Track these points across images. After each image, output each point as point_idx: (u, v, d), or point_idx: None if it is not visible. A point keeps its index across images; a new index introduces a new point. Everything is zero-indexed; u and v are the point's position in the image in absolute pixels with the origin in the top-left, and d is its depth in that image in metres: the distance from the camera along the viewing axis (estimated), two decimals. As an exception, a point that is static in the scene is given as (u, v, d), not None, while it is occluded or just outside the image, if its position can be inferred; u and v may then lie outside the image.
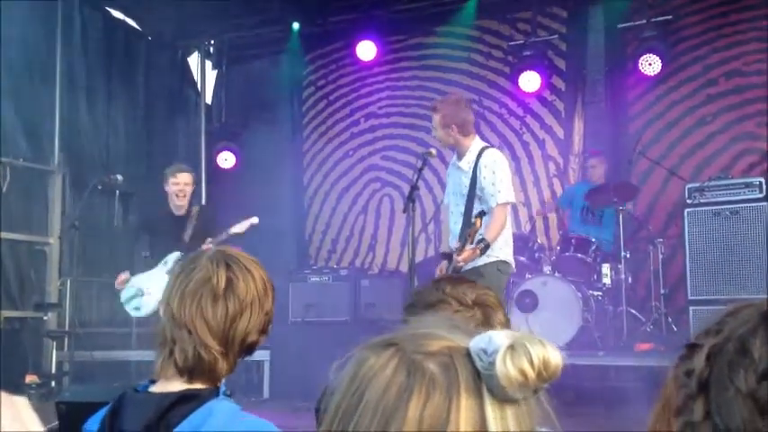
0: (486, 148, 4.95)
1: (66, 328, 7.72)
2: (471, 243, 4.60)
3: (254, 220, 6.00)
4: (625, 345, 6.61)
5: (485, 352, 0.82)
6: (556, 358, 0.83)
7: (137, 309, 6.08)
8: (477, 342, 0.84)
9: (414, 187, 4.86)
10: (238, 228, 5.93)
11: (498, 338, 0.82)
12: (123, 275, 6.14)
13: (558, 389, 0.87)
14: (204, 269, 1.70)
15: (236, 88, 10.31)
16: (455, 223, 4.95)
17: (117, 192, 8.07)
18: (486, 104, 9.06)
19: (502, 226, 4.75)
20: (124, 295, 6.14)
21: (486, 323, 1.72)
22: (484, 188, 4.76)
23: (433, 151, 5.09)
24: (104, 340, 8.24)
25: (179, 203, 6.17)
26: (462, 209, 4.85)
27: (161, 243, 6.20)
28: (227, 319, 1.68)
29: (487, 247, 4.62)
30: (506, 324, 1.77)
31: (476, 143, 4.94)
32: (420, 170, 4.97)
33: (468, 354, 0.84)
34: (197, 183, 6.77)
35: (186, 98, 10.25)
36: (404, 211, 4.96)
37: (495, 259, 4.77)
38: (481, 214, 4.67)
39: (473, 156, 4.86)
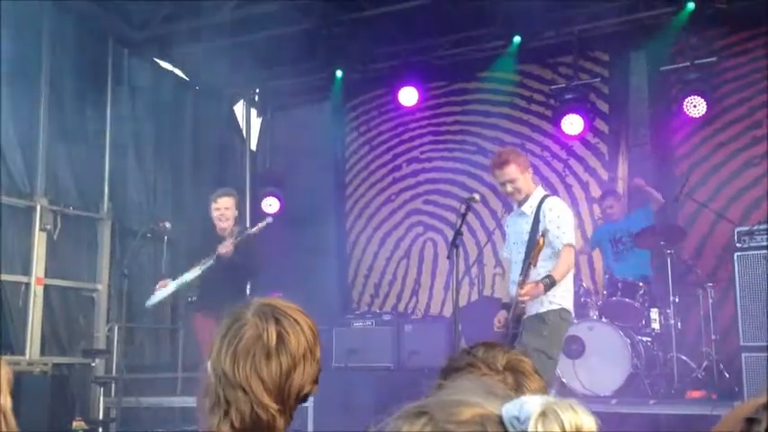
0: (548, 195, 5.01)
1: (114, 373, 7.81)
2: (534, 266, 4.55)
3: (269, 219, 6.36)
4: (676, 392, 6.45)
5: (517, 419, 0.81)
6: (588, 424, 0.82)
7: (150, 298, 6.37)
8: (509, 409, 0.83)
9: (458, 233, 4.85)
10: (255, 229, 6.24)
11: (530, 405, 0.82)
12: (162, 282, 6.36)
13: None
14: (253, 326, 1.67)
15: (280, 135, 10.50)
16: (516, 273, 4.87)
17: (165, 238, 8.23)
18: (529, 148, 9.04)
19: (569, 267, 4.73)
20: (175, 286, 6.34)
21: (518, 389, 1.68)
22: (549, 230, 4.74)
23: (477, 196, 5.10)
24: (150, 386, 8.31)
25: (222, 226, 6.32)
26: (523, 256, 4.81)
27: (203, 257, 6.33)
28: (282, 375, 1.65)
29: (553, 283, 4.56)
30: (542, 391, 1.71)
31: (539, 190, 5.05)
32: (464, 215, 4.97)
33: (500, 421, 0.82)
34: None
35: (232, 145, 10.43)
36: (448, 257, 4.94)
37: (557, 307, 4.72)
38: (544, 232, 4.65)
39: (535, 201, 4.91)
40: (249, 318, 1.70)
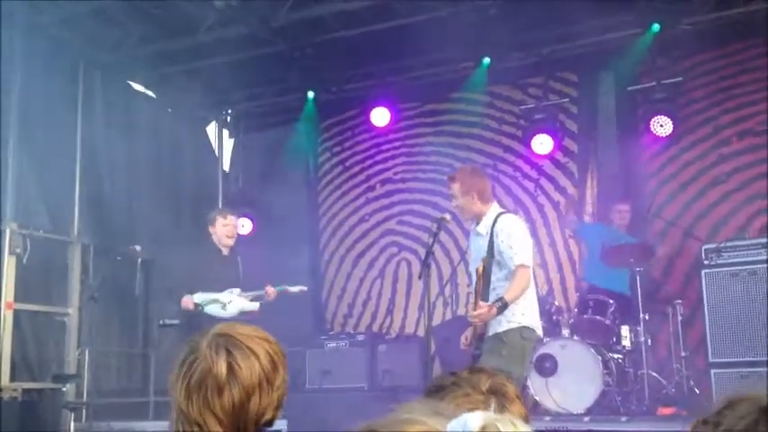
0: (502, 213, 4.95)
1: (85, 398, 7.72)
2: (483, 299, 4.58)
3: (304, 288, 6.62)
4: (647, 409, 6.51)
5: None
6: None
7: (223, 308, 6.13)
8: (453, 425, 0.86)
9: (429, 253, 4.88)
10: (292, 288, 6.46)
11: (472, 421, 0.85)
12: (187, 299, 6.20)
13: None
14: (205, 359, 1.66)
15: (252, 156, 10.49)
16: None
17: (139, 260, 8.17)
18: (501, 168, 9.14)
19: (522, 288, 4.69)
20: (201, 300, 6.20)
21: (501, 413, 1.71)
22: (502, 252, 4.75)
23: (448, 217, 5.14)
24: (122, 410, 8.22)
25: (228, 243, 6.39)
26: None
27: (218, 277, 6.32)
28: (235, 407, 1.64)
29: (505, 306, 4.56)
30: (524, 417, 1.74)
31: (493, 209, 4.96)
32: (435, 236, 4.99)
33: None
34: None
35: (205, 166, 10.40)
36: (419, 278, 4.95)
37: (517, 325, 4.71)
38: (488, 257, 4.66)
39: (489, 220, 4.87)
40: (203, 349, 1.69)
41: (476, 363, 4.64)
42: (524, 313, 4.76)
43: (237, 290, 6.31)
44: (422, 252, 9.17)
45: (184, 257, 8.41)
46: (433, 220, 5.29)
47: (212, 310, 6.17)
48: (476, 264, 4.98)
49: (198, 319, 6.14)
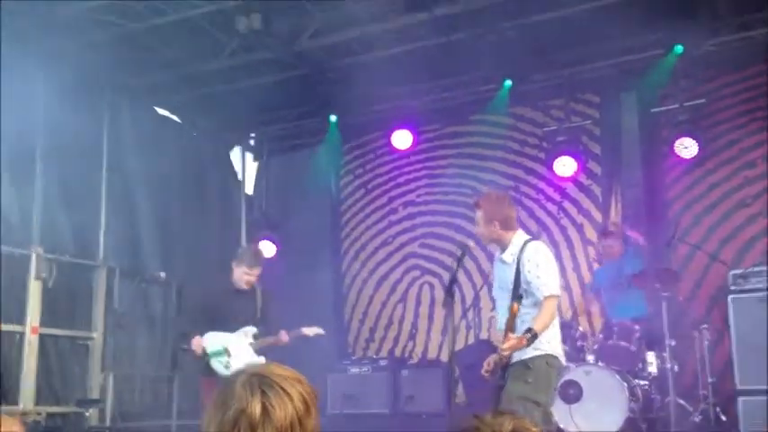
0: (530, 241, 4.87)
1: (107, 423, 7.76)
2: (512, 331, 4.54)
3: (321, 331, 6.51)
4: (673, 436, 6.42)
5: None
6: None
7: (226, 368, 6.09)
8: None
9: (453, 281, 4.82)
10: (308, 331, 6.40)
11: None
12: (197, 341, 6.15)
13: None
14: (239, 399, 1.67)
15: (276, 178, 10.55)
16: (502, 318, 4.84)
17: (173, 284, 8.26)
18: (524, 190, 9.10)
19: (551, 318, 4.65)
20: (210, 349, 6.16)
21: None
22: (530, 282, 4.68)
23: (471, 243, 5.08)
24: (146, 433, 8.28)
25: (245, 288, 6.39)
26: (507, 303, 4.75)
27: (233, 313, 6.30)
28: None
29: (535, 337, 4.50)
30: None
31: (518, 237, 4.86)
32: (459, 263, 4.95)
33: None
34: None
35: (229, 189, 10.47)
36: (443, 306, 4.90)
37: (542, 353, 4.65)
38: (519, 299, 4.62)
39: (516, 249, 4.80)
40: (237, 389, 1.69)
41: (500, 392, 4.60)
42: (550, 341, 4.71)
43: (252, 329, 6.27)
44: (444, 275, 9.16)
45: (208, 283, 8.50)
46: (458, 247, 5.22)
47: (216, 365, 6.13)
48: (499, 292, 4.93)
49: None
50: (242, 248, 7.24)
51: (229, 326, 6.26)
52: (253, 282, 6.40)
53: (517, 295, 4.66)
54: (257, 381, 1.71)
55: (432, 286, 9.48)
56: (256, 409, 1.65)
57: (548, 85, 8.79)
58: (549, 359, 4.70)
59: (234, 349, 6.17)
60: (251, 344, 6.22)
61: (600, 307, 8.08)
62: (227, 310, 6.31)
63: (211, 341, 6.17)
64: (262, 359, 6.12)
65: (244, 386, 1.69)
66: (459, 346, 8.40)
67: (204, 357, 6.12)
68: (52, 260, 7.74)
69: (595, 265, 8.55)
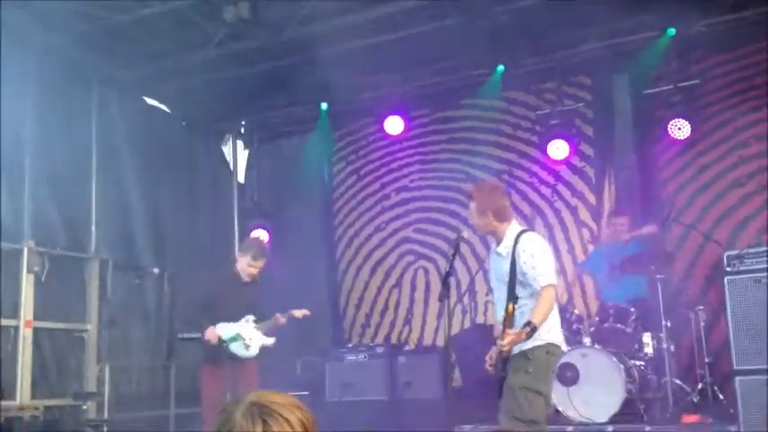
0: (524, 232, 4.84)
1: (105, 415, 7.75)
2: (510, 327, 4.52)
3: (307, 312, 6.71)
4: (671, 416, 6.44)
5: None
6: None
7: (247, 348, 6.39)
8: None
9: (448, 273, 4.78)
10: (297, 313, 6.61)
11: None
12: (211, 331, 6.26)
13: None
14: (240, 429, 1.67)
15: (267, 166, 10.50)
16: (500, 309, 4.83)
17: (166, 274, 8.27)
18: (517, 174, 9.09)
19: (549, 308, 4.62)
20: (225, 336, 6.34)
21: None
22: (525, 273, 4.67)
23: (465, 234, 5.01)
24: (144, 424, 8.25)
25: (247, 279, 6.51)
26: (505, 295, 4.73)
27: (235, 304, 6.43)
28: None
29: (534, 330, 4.48)
30: None
31: (512, 228, 4.83)
32: (453, 255, 4.90)
33: None
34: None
35: (220, 178, 10.42)
36: (439, 300, 4.85)
37: (543, 342, 4.64)
38: (515, 299, 4.61)
39: (510, 241, 4.77)
40: (238, 419, 1.69)
41: (502, 384, 4.60)
42: (550, 330, 4.70)
43: (252, 317, 6.46)
44: (439, 260, 9.17)
45: (203, 271, 8.49)
46: (451, 229, 5.19)
47: (236, 348, 6.36)
48: (497, 283, 4.92)
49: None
50: (247, 240, 7.40)
51: (233, 316, 6.40)
52: (256, 273, 6.49)
53: (512, 291, 4.65)
54: (257, 410, 1.71)
55: (426, 271, 9.48)
56: None
57: (540, 69, 8.74)
58: (549, 348, 4.69)
59: (246, 334, 6.40)
60: (256, 328, 6.44)
61: (594, 286, 8.11)
62: (231, 301, 6.41)
63: (224, 330, 6.33)
64: (272, 340, 6.50)
65: (245, 416, 1.69)
66: (455, 330, 8.42)
67: (221, 345, 6.27)
68: (44, 253, 7.69)
69: (590, 247, 8.55)
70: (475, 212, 4.83)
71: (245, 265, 6.45)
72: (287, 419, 1.69)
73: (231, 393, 6.28)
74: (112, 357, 8.14)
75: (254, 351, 6.40)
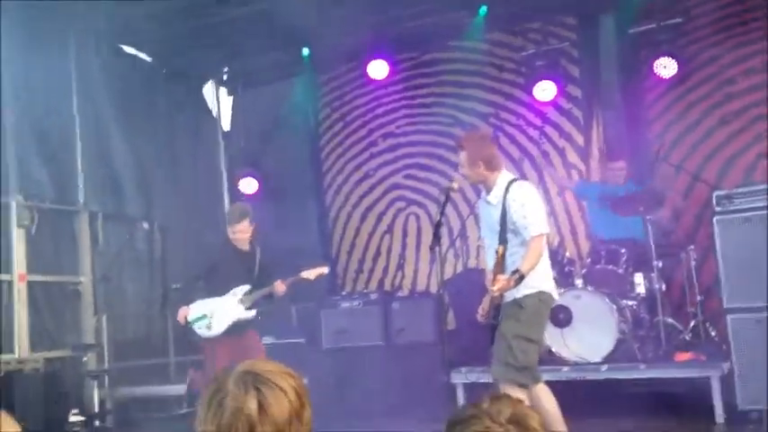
0: (514, 180, 4.89)
1: (105, 365, 7.83)
2: (501, 273, 4.60)
3: (325, 270, 6.38)
4: (665, 354, 6.59)
5: None
6: None
7: (208, 328, 6.09)
8: None
9: (438, 224, 4.80)
10: (307, 274, 6.22)
11: None
12: (182, 311, 6.13)
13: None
14: (234, 398, 1.66)
15: (253, 113, 10.36)
16: (490, 258, 4.90)
17: (156, 223, 8.23)
18: (504, 117, 9.09)
19: (538, 257, 4.68)
20: (191, 317, 6.13)
21: None
22: (516, 222, 4.72)
23: (455, 185, 5.01)
24: (144, 373, 8.36)
25: (240, 247, 6.26)
26: (496, 243, 4.79)
27: (228, 275, 6.22)
28: None
29: (522, 278, 4.55)
30: None
31: (503, 177, 4.88)
32: (444, 205, 4.93)
33: None
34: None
35: (205, 126, 10.32)
36: (431, 249, 4.88)
37: (534, 290, 4.72)
38: (504, 242, 4.68)
39: (501, 190, 4.81)
40: (230, 388, 1.69)
41: (494, 332, 4.69)
42: (541, 278, 4.77)
43: (245, 288, 6.16)
44: (429, 205, 9.22)
45: (192, 222, 8.46)
46: (439, 174, 5.19)
47: (199, 328, 6.11)
48: (488, 232, 4.98)
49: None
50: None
51: (219, 289, 6.18)
52: (244, 239, 6.21)
53: (503, 238, 4.71)
54: (250, 378, 1.70)
55: (417, 217, 9.52)
56: (252, 406, 1.65)
57: (524, 9, 8.68)
58: (541, 296, 4.79)
59: (217, 311, 6.12)
60: (240, 300, 6.13)
61: (586, 229, 8.20)
62: (221, 273, 6.21)
63: (194, 310, 6.13)
64: (251, 313, 6.15)
65: (237, 384, 1.69)
66: (448, 275, 8.51)
67: (188, 326, 6.13)
68: (33, 207, 7.65)
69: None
70: (466, 163, 4.86)
71: (231, 234, 6.20)
72: (281, 387, 1.69)
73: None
74: (109, 308, 8.18)
75: (216, 331, 6.06)
